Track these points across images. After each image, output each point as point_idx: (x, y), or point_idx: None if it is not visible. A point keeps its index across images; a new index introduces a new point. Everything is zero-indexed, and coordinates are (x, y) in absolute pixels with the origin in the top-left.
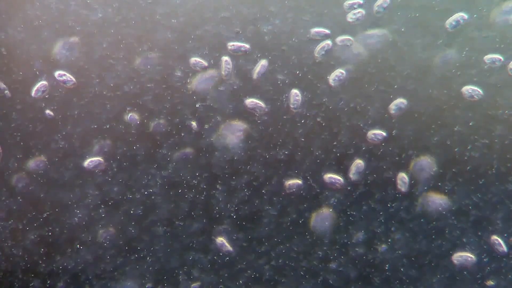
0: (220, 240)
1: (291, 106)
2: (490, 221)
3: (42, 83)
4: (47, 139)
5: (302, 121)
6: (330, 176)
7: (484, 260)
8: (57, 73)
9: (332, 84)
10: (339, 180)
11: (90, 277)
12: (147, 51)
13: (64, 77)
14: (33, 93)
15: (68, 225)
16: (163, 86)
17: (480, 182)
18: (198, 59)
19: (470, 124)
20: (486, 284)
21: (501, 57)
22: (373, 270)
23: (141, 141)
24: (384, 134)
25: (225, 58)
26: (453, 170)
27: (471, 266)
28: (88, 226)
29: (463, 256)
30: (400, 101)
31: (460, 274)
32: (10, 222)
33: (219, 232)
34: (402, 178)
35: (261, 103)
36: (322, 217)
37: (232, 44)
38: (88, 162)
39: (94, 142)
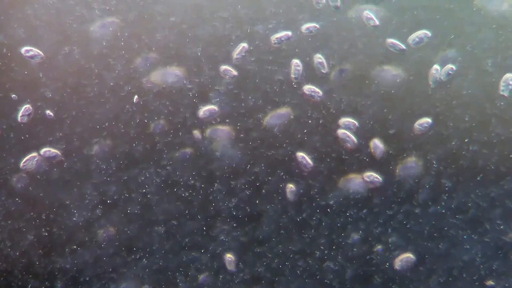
0: (229, 257)
1: (292, 76)
2: (489, 219)
3: (26, 107)
4: (46, 138)
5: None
6: (302, 155)
7: (484, 260)
8: (23, 49)
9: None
10: (309, 163)
11: (96, 278)
12: (147, 51)
13: (31, 53)
14: (18, 119)
15: (66, 226)
16: (163, 86)
17: (478, 179)
18: (227, 67)
19: (466, 119)
20: (486, 284)
21: (453, 67)
22: (373, 269)
23: (141, 141)
24: (430, 121)
25: (243, 44)
26: (452, 166)
27: (412, 267)
28: (97, 226)
29: (403, 259)
30: (351, 121)
31: (459, 274)
32: (8, 223)
33: (228, 248)
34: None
35: (214, 107)
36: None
37: (276, 37)
38: (44, 150)
39: (94, 141)
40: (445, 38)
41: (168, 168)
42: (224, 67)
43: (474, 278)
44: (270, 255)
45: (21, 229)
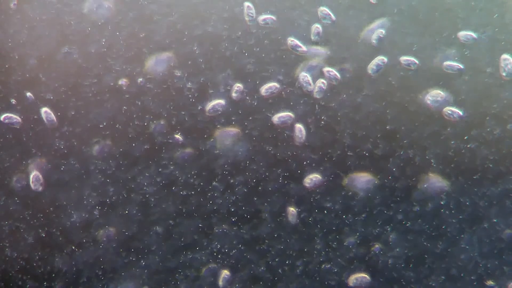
0: (226, 273)
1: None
2: (486, 217)
3: (34, 174)
4: (46, 139)
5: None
6: (299, 127)
7: (485, 259)
8: None
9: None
10: (303, 136)
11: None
12: (147, 50)
13: None
14: (32, 186)
15: (65, 226)
16: (164, 86)
17: (476, 177)
18: (240, 85)
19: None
20: (486, 284)
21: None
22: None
23: (141, 141)
24: (461, 112)
25: (247, 3)
26: (452, 165)
27: (367, 286)
28: (96, 227)
29: (358, 278)
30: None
31: (459, 274)
32: (7, 223)
33: (224, 265)
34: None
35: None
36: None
37: (291, 40)
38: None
39: (93, 142)
40: (444, 39)
41: (170, 167)
42: (238, 85)
43: (473, 278)
44: (272, 253)
45: (19, 230)
